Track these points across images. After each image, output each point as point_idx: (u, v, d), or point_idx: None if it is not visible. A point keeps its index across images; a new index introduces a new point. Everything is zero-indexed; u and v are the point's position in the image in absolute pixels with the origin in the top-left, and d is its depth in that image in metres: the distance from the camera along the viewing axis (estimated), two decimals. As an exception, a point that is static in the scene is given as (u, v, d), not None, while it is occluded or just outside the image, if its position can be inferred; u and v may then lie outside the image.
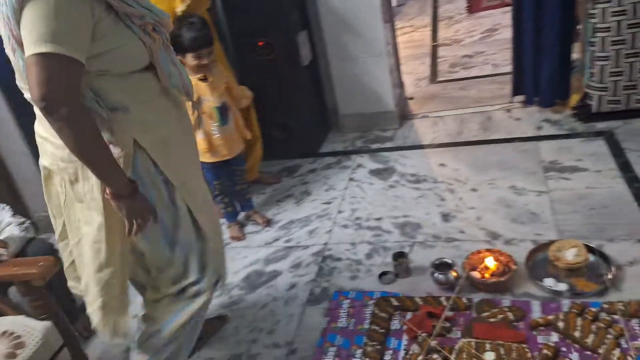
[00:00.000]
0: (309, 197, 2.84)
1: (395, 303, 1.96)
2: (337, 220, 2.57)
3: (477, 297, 1.94)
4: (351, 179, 2.91)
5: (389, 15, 3.11)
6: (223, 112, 2.39)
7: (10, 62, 1.33)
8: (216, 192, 2.59)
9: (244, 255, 2.48)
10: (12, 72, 1.36)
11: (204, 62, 2.23)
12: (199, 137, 2.36)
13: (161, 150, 1.44)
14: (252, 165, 2.90)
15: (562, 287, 1.87)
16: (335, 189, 2.85)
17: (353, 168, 3.02)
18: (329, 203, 2.73)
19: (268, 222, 2.66)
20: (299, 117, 3.17)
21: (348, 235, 2.44)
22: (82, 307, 2.37)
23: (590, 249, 1.98)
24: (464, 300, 1.91)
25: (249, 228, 2.67)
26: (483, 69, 3.92)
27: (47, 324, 1.64)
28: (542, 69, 2.94)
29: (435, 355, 1.71)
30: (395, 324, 1.90)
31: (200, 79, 2.30)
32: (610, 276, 1.87)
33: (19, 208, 2.76)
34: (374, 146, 3.20)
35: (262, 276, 2.31)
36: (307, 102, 3.22)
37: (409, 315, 1.91)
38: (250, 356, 1.91)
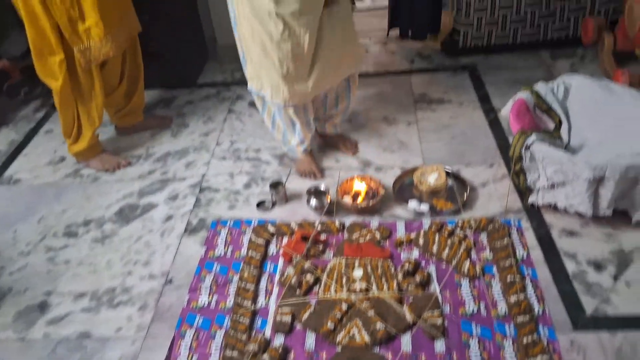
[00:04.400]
0: (186, 129, 2.76)
1: (271, 229, 2.02)
2: (215, 152, 2.54)
3: (349, 220, 2.05)
4: (231, 111, 2.87)
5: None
6: None
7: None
8: None
9: (116, 189, 2.38)
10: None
11: None
12: None
13: None
14: (136, 107, 2.71)
15: (424, 207, 2.03)
16: (213, 121, 2.79)
17: (233, 100, 2.97)
18: (207, 135, 2.68)
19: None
20: (174, 45, 3.02)
21: (226, 167, 2.43)
22: None
23: (449, 174, 2.16)
24: (337, 223, 2.01)
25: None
26: (363, 2, 3.96)
27: None
28: (415, 4, 3.04)
29: (308, 276, 1.80)
30: (272, 250, 1.96)
31: None
32: (465, 197, 2.06)
33: None
34: (253, 77, 3.15)
35: (136, 209, 2.25)
36: (182, 31, 3.07)
37: (285, 240, 1.99)
38: (125, 288, 1.88)
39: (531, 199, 1.97)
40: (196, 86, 3.14)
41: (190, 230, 2.10)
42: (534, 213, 1.97)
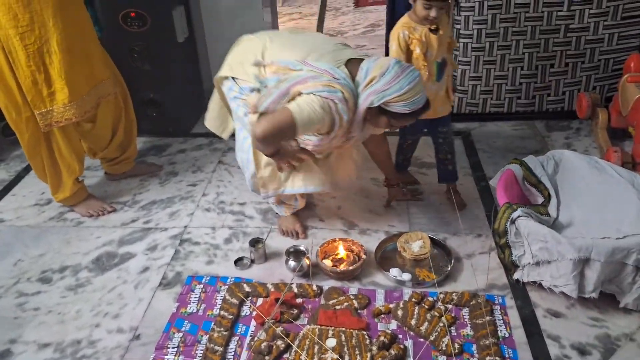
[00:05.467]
0: (174, 177, 2.75)
1: (247, 289, 1.96)
2: (200, 203, 2.51)
3: (327, 284, 1.98)
4: (220, 162, 2.86)
5: (270, 1, 3.09)
6: (442, 68, 2.16)
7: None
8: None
9: (97, 235, 2.34)
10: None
11: (432, 15, 2.01)
12: None
13: None
14: (128, 157, 2.71)
15: (406, 277, 1.97)
16: (203, 171, 2.78)
17: (224, 151, 2.96)
18: (194, 185, 2.66)
19: (463, 207, 2.38)
20: (171, 94, 3.06)
21: (210, 219, 2.40)
22: None
23: (434, 242, 2.11)
24: (314, 287, 1.95)
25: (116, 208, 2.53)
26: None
27: None
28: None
29: (279, 342, 1.73)
30: (245, 310, 1.89)
31: (431, 30, 2.07)
32: (449, 268, 2.00)
33: None
34: (248, 130, 3.17)
35: (114, 258, 2.20)
36: (180, 80, 3.11)
37: (259, 301, 1.92)
38: (91, 342, 1.81)
39: (516, 275, 1.91)
40: (190, 135, 3.15)
41: (165, 284, 2.04)
42: (518, 290, 1.91)
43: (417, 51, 2.06)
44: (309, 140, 1.91)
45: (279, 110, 1.78)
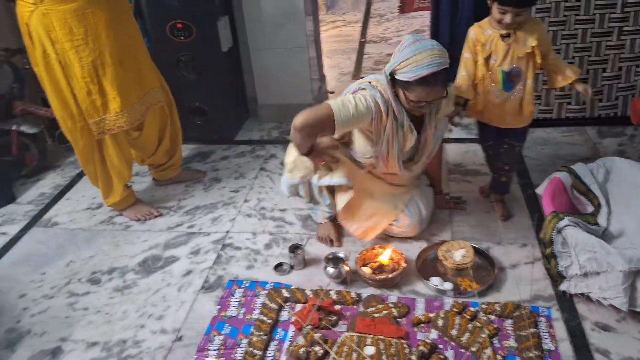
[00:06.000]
0: (218, 184, 2.80)
1: (286, 294, 1.97)
2: (242, 209, 2.55)
3: (366, 292, 1.97)
4: (262, 169, 2.90)
5: (312, 9, 3.11)
6: (511, 78, 2.03)
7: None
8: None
9: (144, 239, 2.41)
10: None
11: (506, 20, 1.91)
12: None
13: None
14: (174, 163, 2.78)
15: (447, 286, 1.93)
16: (245, 178, 2.83)
17: (266, 158, 3.00)
18: (236, 191, 2.71)
19: (508, 217, 2.31)
20: (216, 103, 3.13)
21: (251, 225, 2.43)
22: None
23: (477, 251, 2.07)
24: (353, 294, 1.94)
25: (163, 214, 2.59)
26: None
27: None
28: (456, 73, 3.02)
29: (317, 348, 1.72)
30: (284, 315, 1.91)
31: (502, 35, 1.98)
32: (492, 278, 1.95)
33: None
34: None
35: (159, 261, 2.26)
36: (225, 89, 3.18)
37: (298, 307, 1.93)
38: (136, 342, 1.86)
39: (563, 286, 1.84)
40: (233, 142, 3.20)
41: (206, 287, 2.08)
42: (565, 302, 1.84)
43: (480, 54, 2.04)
44: (369, 156, 2.03)
45: (319, 105, 1.90)
